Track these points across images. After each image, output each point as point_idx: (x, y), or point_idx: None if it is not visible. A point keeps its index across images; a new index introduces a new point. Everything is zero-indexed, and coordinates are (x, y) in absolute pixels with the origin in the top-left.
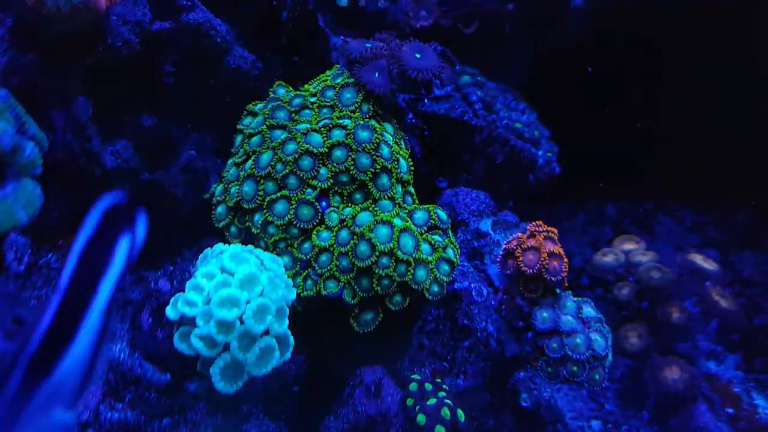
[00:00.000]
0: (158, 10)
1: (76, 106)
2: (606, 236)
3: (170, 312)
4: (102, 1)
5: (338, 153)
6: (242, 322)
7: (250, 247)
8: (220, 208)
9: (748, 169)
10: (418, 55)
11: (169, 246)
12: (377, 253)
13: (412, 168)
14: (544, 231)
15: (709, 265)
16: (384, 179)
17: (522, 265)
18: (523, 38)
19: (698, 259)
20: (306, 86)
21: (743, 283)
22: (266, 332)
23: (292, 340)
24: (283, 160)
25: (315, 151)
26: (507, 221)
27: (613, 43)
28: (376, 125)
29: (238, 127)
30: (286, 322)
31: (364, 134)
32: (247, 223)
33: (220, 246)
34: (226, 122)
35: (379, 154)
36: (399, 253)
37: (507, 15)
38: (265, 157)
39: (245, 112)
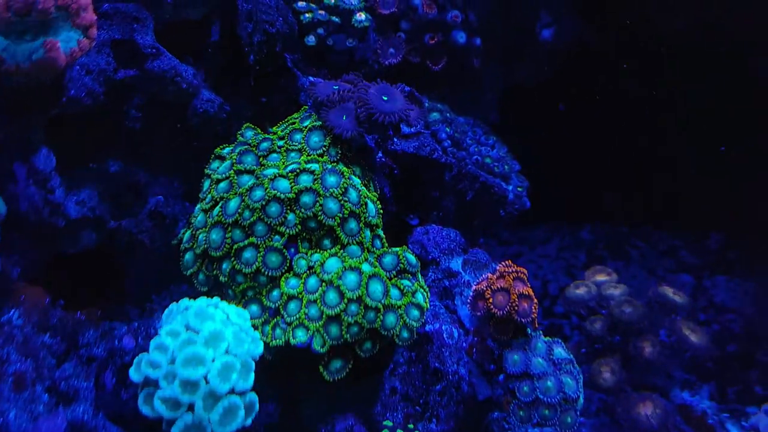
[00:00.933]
0: (123, 58)
1: (39, 158)
2: (581, 261)
3: (134, 374)
4: (62, 58)
5: (306, 199)
6: (207, 381)
7: (216, 300)
8: (188, 256)
9: (718, 194)
10: (385, 98)
11: (137, 292)
12: (346, 301)
13: (381, 211)
14: (513, 271)
15: (680, 298)
16: (352, 224)
17: (492, 306)
18: (492, 71)
19: (669, 292)
20: (274, 128)
21: (716, 308)
22: (231, 390)
23: (256, 401)
24: (251, 207)
25: (282, 197)
26: (478, 261)
27: (581, 74)
28: (344, 169)
29: (206, 171)
30: (252, 377)
31: (331, 179)
32: (215, 271)
33: (185, 302)
34: (195, 165)
35: (347, 199)
36: (368, 299)
37: (476, 50)
38: (233, 204)
39: (213, 155)
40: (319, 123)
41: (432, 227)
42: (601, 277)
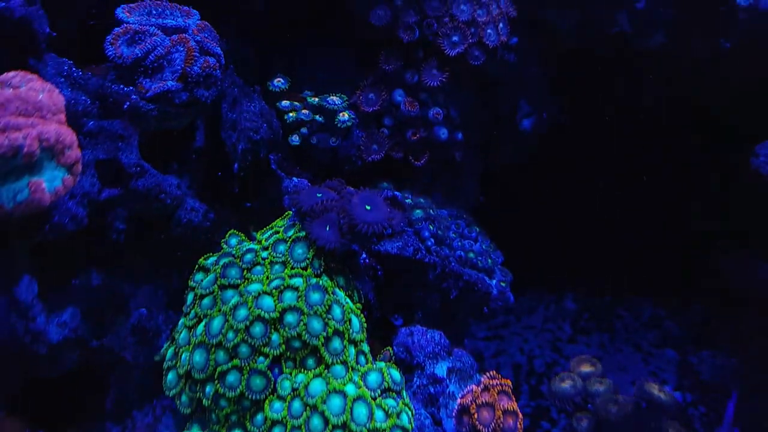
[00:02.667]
0: (107, 178)
1: (20, 288)
2: (566, 334)
3: None
4: (46, 198)
5: (290, 318)
6: None
7: (196, 429)
8: (171, 375)
9: (697, 266)
10: (368, 207)
11: (118, 409)
12: (330, 427)
13: (365, 324)
14: (498, 384)
15: (665, 396)
16: (336, 343)
17: (477, 423)
18: (473, 159)
19: (654, 390)
20: (258, 235)
21: (702, 387)
22: None
23: None
24: (235, 327)
25: (266, 316)
26: (463, 370)
27: (559, 154)
28: (328, 284)
29: (190, 284)
30: None
31: (315, 296)
32: (198, 393)
33: None
34: (179, 274)
35: (331, 316)
36: (352, 425)
37: (457, 145)
38: (216, 324)
39: (197, 266)
40: (302, 234)
41: (416, 329)
42: (585, 368)
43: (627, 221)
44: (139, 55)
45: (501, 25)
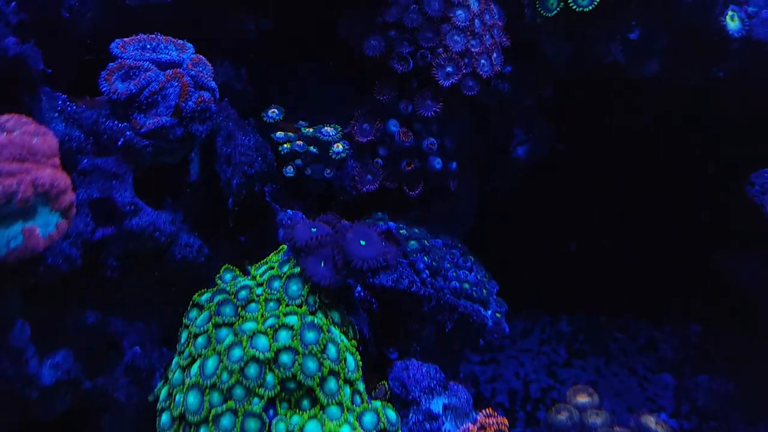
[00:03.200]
0: (101, 217)
1: (13, 334)
2: (562, 358)
3: None
4: (40, 244)
5: (285, 358)
6: None
7: None
8: (165, 417)
9: (694, 285)
10: (362, 242)
11: None
12: None
13: (360, 362)
14: (494, 423)
15: (662, 429)
16: (331, 383)
17: None
18: (467, 186)
19: (651, 423)
20: (253, 270)
21: (699, 414)
22: None
23: None
24: (229, 368)
25: (261, 357)
26: (458, 405)
27: (554, 179)
28: (323, 321)
29: (185, 321)
30: None
31: (310, 335)
32: None
33: None
34: (173, 309)
35: (326, 356)
36: None
37: (452, 174)
38: (211, 364)
39: (191, 303)
40: (297, 270)
41: (412, 363)
42: (582, 399)
43: (622, 241)
44: (134, 91)
45: (495, 55)
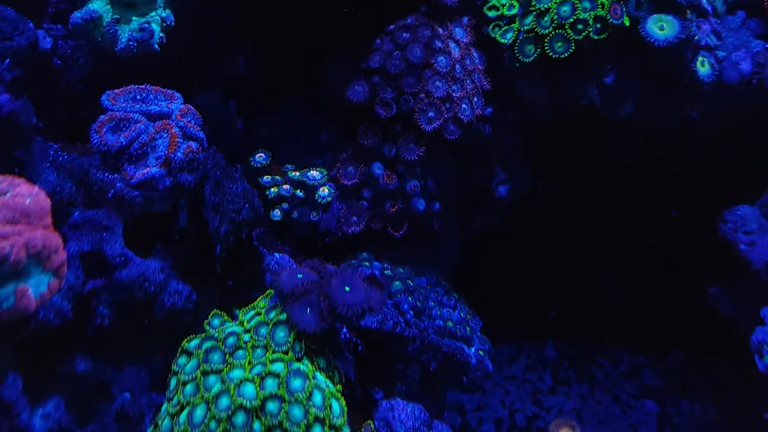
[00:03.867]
0: (91, 270)
1: (5, 388)
2: (547, 385)
3: None
4: (32, 304)
5: (271, 406)
6: None
7: None
8: None
9: (677, 312)
10: (347, 288)
11: None
12: None
13: (346, 408)
14: None
15: None
16: (317, 430)
17: None
18: (450, 225)
19: None
20: (241, 316)
21: None
22: None
23: None
24: (217, 417)
25: (248, 405)
26: None
27: (536, 215)
28: (309, 368)
29: (173, 368)
30: None
31: (296, 383)
32: None
33: None
34: (162, 355)
35: (312, 403)
36: None
37: (435, 214)
38: (199, 413)
39: (180, 349)
40: (283, 316)
41: (397, 403)
42: None
43: (606, 270)
44: (124, 143)
45: (476, 99)
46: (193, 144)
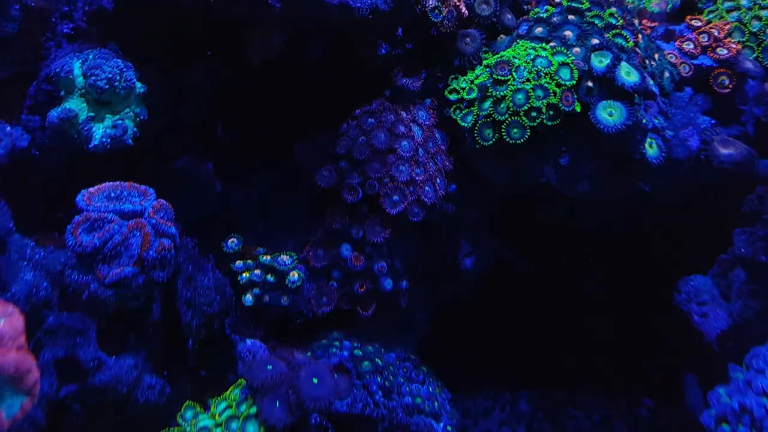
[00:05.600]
0: (65, 375)
1: None
2: None
3: None
4: (4, 425)
5: None
6: None
7: None
8: None
9: (647, 361)
10: (315, 380)
11: None
12: None
13: None
14: None
15: None
16: None
17: None
18: (417, 298)
19: None
20: (213, 408)
21: None
22: None
23: None
24: None
25: None
26: None
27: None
28: None
29: None
30: None
31: None
32: None
33: None
34: None
35: None
36: None
37: (402, 293)
38: None
39: None
40: (254, 410)
41: None
42: None
43: (576, 320)
44: (98, 244)
45: (438, 180)
46: (165, 241)
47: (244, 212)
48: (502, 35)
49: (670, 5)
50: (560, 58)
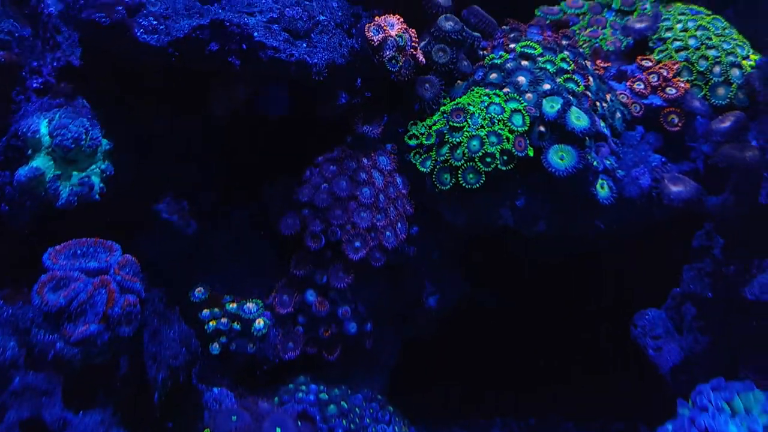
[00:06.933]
0: None
1: None
2: None
3: None
4: None
5: None
6: None
7: None
8: None
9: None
10: (278, 430)
11: None
12: None
13: None
14: None
15: None
16: None
17: None
18: (383, 339)
19: None
20: None
21: None
22: None
23: None
24: None
25: None
26: None
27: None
28: None
29: None
30: None
31: None
32: None
33: None
34: None
35: None
36: None
37: (367, 335)
38: None
39: None
40: None
41: None
42: None
43: (546, 351)
44: (63, 304)
45: (399, 225)
46: (130, 297)
47: (216, 255)
48: (459, 81)
49: (624, 43)
50: (513, 105)
